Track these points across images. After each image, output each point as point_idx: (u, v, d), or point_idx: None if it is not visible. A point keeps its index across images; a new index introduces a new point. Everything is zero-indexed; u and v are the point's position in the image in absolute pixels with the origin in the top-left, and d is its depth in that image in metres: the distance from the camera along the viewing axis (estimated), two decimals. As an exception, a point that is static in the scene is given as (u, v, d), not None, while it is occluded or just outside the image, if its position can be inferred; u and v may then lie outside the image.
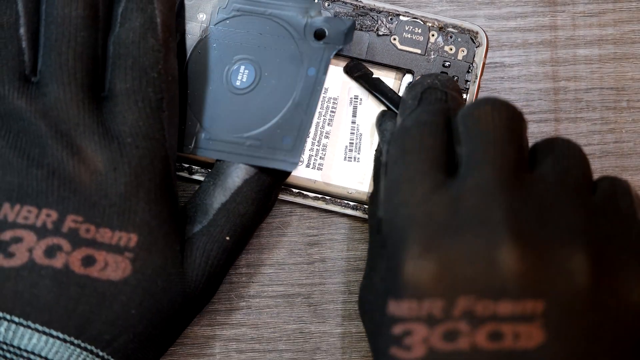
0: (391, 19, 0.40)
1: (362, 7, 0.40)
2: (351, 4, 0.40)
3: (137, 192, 0.36)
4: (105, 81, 0.37)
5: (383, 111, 0.41)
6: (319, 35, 0.40)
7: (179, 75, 0.40)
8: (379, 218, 0.36)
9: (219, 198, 0.38)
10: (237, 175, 0.38)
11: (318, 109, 0.41)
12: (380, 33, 0.40)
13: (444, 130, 0.36)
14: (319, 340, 0.42)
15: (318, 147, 0.41)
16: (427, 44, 0.41)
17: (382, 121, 0.41)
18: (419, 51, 0.41)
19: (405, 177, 0.35)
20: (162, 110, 0.37)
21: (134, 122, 0.36)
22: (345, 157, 0.41)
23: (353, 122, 0.42)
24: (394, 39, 0.41)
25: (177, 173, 0.41)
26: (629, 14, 0.43)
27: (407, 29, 0.41)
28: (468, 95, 0.41)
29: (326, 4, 0.38)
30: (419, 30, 0.41)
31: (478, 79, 0.41)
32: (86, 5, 0.36)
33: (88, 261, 0.35)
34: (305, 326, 0.42)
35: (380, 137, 0.41)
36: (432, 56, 0.41)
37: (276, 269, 0.42)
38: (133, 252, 0.35)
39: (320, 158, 0.41)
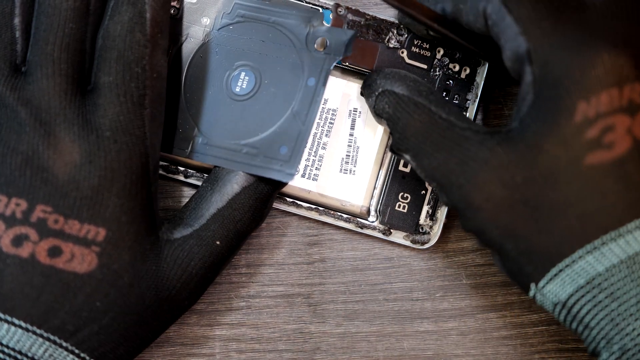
0: (402, 32, 0.39)
1: (376, 18, 0.39)
2: (366, 14, 0.38)
3: (111, 186, 0.34)
4: (92, 74, 0.35)
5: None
6: (321, 45, 0.38)
7: (178, 78, 0.39)
8: (536, 75, 0.32)
9: (215, 204, 0.36)
10: (236, 182, 0.37)
11: (316, 120, 0.39)
12: (391, 45, 0.39)
13: None
14: (318, 340, 0.41)
15: (314, 158, 0.40)
16: (434, 60, 0.39)
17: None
18: (425, 66, 0.39)
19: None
20: (144, 107, 0.35)
21: (114, 115, 0.34)
22: (341, 169, 0.40)
23: (351, 135, 0.40)
24: (402, 52, 0.39)
25: (172, 176, 0.39)
26: None
27: (416, 43, 0.39)
28: (467, 113, 0.39)
29: (339, 11, 0.37)
30: (427, 46, 0.39)
31: (478, 98, 0.39)
32: None
33: (54, 252, 0.33)
34: (305, 326, 0.41)
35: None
36: (437, 72, 0.39)
37: (276, 269, 0.41)
38: (100, 246, 0.34)
39: (316, 169, 0.40)
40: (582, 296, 0.32)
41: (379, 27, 0.37)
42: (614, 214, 0.31)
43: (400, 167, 0.40)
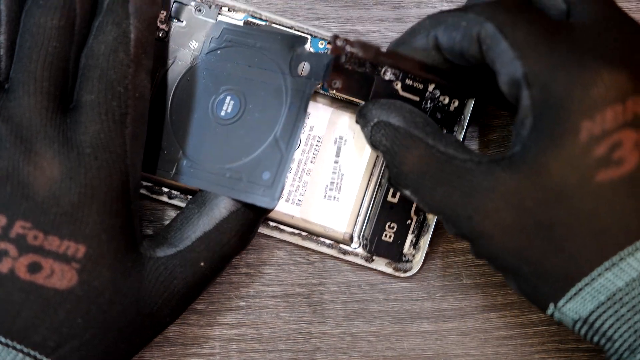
0: None
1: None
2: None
3: (91, 203, 0.34)
4: (75, 92, 0.35)
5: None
6: (303, 70, 0.38)
7: (164, 100, 0.38)
8: (534, 98, 0.32)
9: (202, 226, 0.36)
10: (224, 206, 0.37)
11: (302, 146, 0.39)
12: (386, 78, 0.38)
13: None
14: (318, 340, 0.41)
15: (299, 183, 0.39)
16: (425, 92, 0.39)
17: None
18: (417, 99, 0.39)
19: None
20: (125, 126, 0.34)
21: (95, 133, 0.34)
22: (325, 196, 0.39)
23: (336, 162, 0.39)
24: (397, 84, 0.39)
25: (156, 197, 0.39)
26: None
27: (410, 75, 0.38)
28: None
29: (338, 43, 0.35)
30: (420, 79, 0.38)
31: (464, 130, 0.39)
32: (62, 16, 0.34)
33: (34, 268, 0.33)
34: (305, 326, 0.41)
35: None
36: (429, 105, 0.39)
37: (276, 269, 0.41)
38: (80, 263, 0.33)
39: (300, 194, 0.39)
40: (604, 312, 0.32)
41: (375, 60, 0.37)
42: (629, 229, 0.31)
43: (389, 198, 0.40)
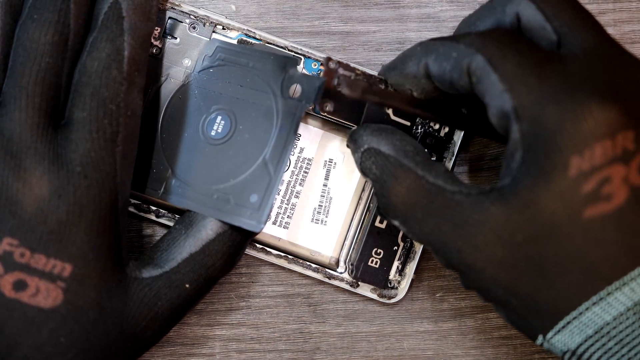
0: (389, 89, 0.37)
1: (365, 74, 0.36)
2: (356, 69, 0.36)
3: (79, 221, 0.33)
4: (66, 109, 0.34)
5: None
6: (294, 92, 0.37)
7: (155, 118, 0.38)
8: (524, 132, 0.32)
9: (188, 248, 0.36)
10: (211, 228, 0.36)
11: (292, 168, 0.39)
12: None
13: None
14: (318, 340, 0.41)
15: (287, 206, 0.39)
16: (416, 117, 0.38)
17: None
18: (408, 124, 0.38)
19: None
20: (116, 144, 0.34)
21: (85, 151, 0.33)
22: (312, 219, 0.39)
23: (325, 185, 0.39)
24: (388, 109, 0.38)
25: (144, 215, 0.39)
26: (629, 14, 0.41)
27: None
28: None
29: (330, 65, 0.35)
30: None
31: (454, 156, 0.39)
32: (56, 32, 0.34)
33: (19, 285, 0.33)
34: (305, 326, 0.41)
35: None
36: (419, 130, 0.38)
37: (276, 269, 0.40)
38: (66, 282, 0.33)
39: (288, 217, 0.39)
40: (592, 345, 0.31)
41: (368, 83, 0.36)
42: (617, 264, 0.31)
43: (377, 224, 0.39)
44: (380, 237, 0.39)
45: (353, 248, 0.39)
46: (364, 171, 0.35)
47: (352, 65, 0.36)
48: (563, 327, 0.31)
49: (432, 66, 0.34)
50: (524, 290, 0.32)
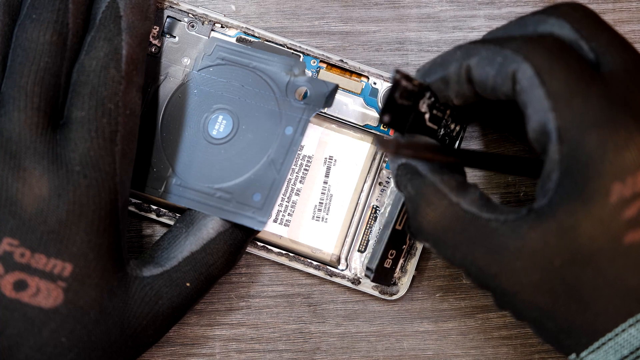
0: (431, 97, 0.36)
1: (422, 85, 0.35)
2: (414, 80, 0.34)
3: (79, 221, 0.33)
4: (65, 108, 0.34)
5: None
6: (300, 95, 0.37)
7: (155, 117, 0.38)
8: (564, 154, 0.31)
9: (189, 247, 0.36)
10: (212, 227, 0.36)
11: (292, 165, 0.38)
12: (422, 110, 0.36)
13: None
14: (318, 340, 0.40)
15: (287, 204, 0.39)
16: (441, 121, 0.37)
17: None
18: (436, 127, 0.37)
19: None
20: (115, 143, 0.34)
21: (84, 150, 0.33)
22: (313, 217, 0.39)
23: (325, 182, 0.39)
24: (426, 115, 0.36)
25: (145, 214, 0.39)
26: (629, 14, 0.41)
27: (437, 106, 0.36)
28: None
29: (396, 76, 0.33)
30: (442, 108, 0.36)
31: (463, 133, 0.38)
32: (55, 32, 0.34)
33: (20, 286, 0.33)
34: (305, 326, 0.40)
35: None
36: (442, 132, 0.37)
37: (276, 269, 0.40)
38: (66, 282, 0.33)
39: (289, 215, 0.39)
40: None
41: (419, 93, 0.36)
42: None
43: (397, 226, 0.38)
44: (396, 238, 0.39)
45: (372, 253, 0.38)
46: (398, 185, 0.35)
47: (412, 76, 0.35)
48: (598, 347, 0.31)
49: (475, 70, 0.33)
50: (560, 314, 0.31)
